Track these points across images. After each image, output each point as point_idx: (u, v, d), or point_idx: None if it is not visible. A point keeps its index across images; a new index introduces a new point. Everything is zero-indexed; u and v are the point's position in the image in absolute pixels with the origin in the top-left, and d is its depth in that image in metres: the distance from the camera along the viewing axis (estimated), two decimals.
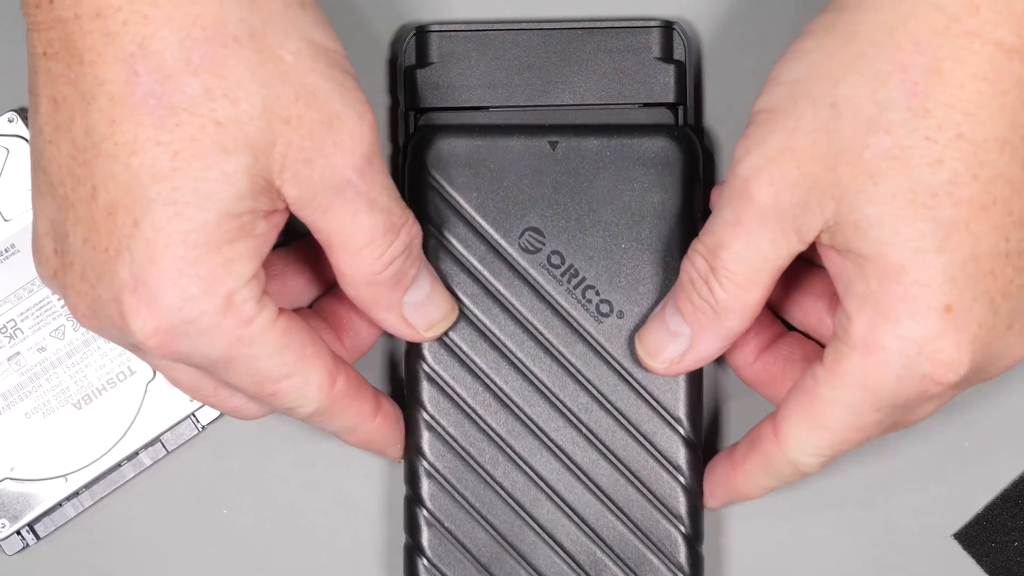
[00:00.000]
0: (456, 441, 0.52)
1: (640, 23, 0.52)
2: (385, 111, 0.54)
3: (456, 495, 0.52)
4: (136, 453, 0.53)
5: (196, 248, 0.44)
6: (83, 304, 0.46)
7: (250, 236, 0.45)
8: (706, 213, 0.51)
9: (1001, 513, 0.53)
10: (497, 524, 0.52)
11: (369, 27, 0.53)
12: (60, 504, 0.53)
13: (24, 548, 0.53)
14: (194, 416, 0.53)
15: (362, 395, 0.49)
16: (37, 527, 0.53)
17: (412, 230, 0.47)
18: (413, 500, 0.52)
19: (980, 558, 0.54)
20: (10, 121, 0.52)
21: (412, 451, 0.52)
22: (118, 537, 0.54)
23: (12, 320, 0.53)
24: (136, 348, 0.46)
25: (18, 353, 0.53)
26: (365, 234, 0.46)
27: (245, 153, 0.44)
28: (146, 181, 0.44)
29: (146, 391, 0.53)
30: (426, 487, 0.52)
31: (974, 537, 0.54)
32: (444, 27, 0.52)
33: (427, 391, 0.52)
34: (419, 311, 0.50)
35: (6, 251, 0.53)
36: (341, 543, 0.54)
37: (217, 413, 0.53)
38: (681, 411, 0.52)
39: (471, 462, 0.52)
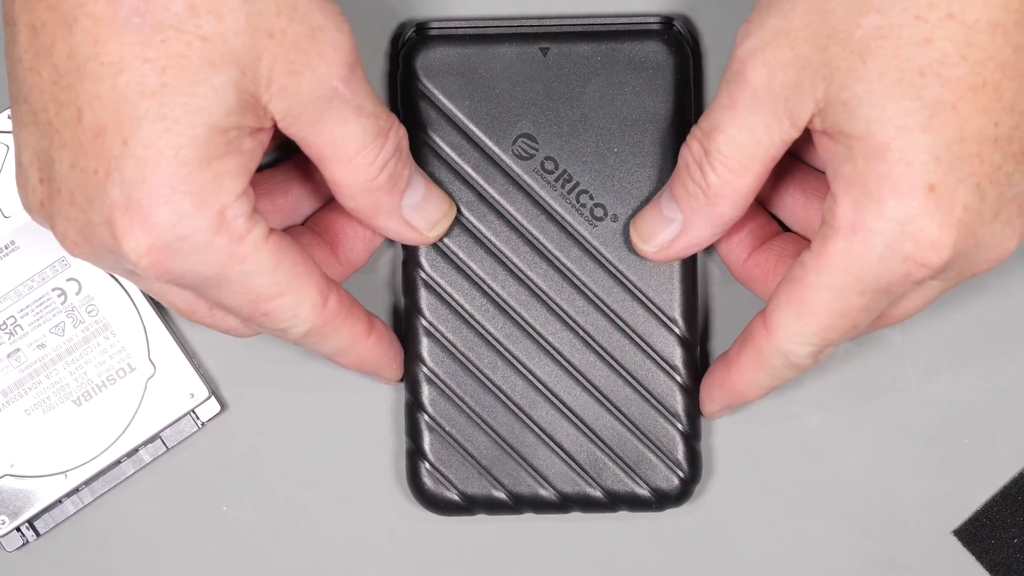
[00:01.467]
0: (455, 346, 0.54)
1: (640, 19, 0.52)
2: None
3: (456, 399, 0.54)
4: (136, 450, 0.54)
5: (187, 164, 0.46)
6: (73, 230, 0.48)
7: (238, 152, 0.47)
8: (698, 116, 0.54)
9: (1001, 510, 0.54)
10: (497, 427, 0.54)
11: (369, 23, 0.53)
12: (60, 501, 0.54)
13: (24, 544, 0.54)
14: (194, 413, 0.54)
15: (355, 315, 0.52)
16: (37, 523, 0.54)
17: (399, 132, 0.50)
18: (414, 405, 0.54)
19: (980, 555, 0.54)
20: (9, 118, 0.52)
21: (412, 358, 0.54)
22: (118, 534, 0.54)
23: (12, 316, 0.53)
24: (130, 273, 0.49)
25: (18, 350, 0.53)
26: (356, 141, 0.49)
27: (232, 68, 0.46)
28: (134, 99, 0.45)
29: (146, 388, 0.54)
30: (426, 392, 0.54)
31: (974, 534, 0.54)
32: (444, 24, 0.52)
33: (425, 298, 0.54)
34: (419, 212, 0.52)
35: (6, 247, 0.53)
36: (341, 540, 0.54)
37: (217, 410, 0.54)
38: (676, 311, 0.54)
39: (470, 367, 0.54)
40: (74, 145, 0.46)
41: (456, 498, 0.54)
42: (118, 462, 0.55)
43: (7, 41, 0.48)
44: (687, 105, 0.54)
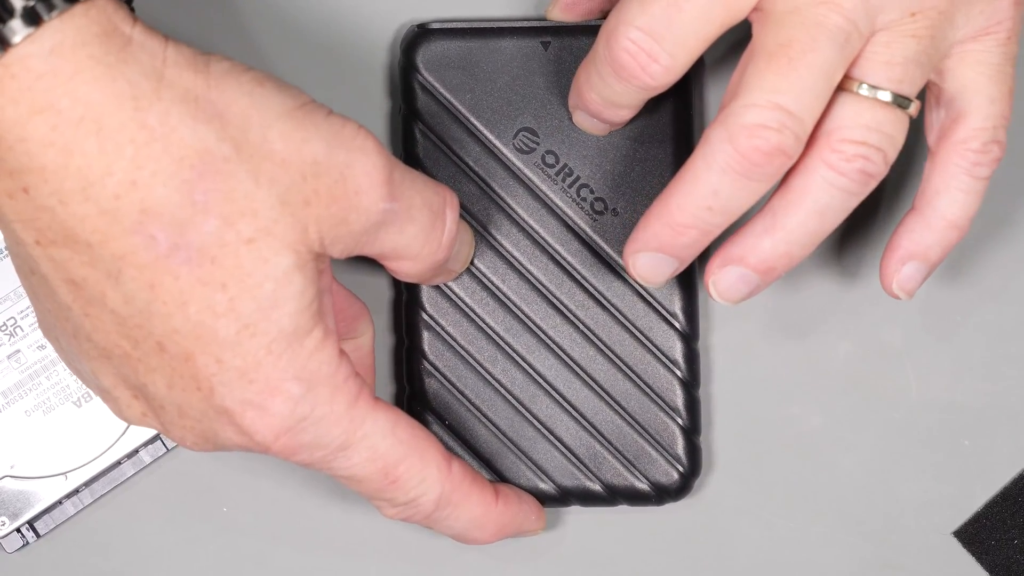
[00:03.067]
0: (455, 340, 0.55)
1: None
2: (387, 109, 0.56)
3: (456, 393, 0.55)
4: (136, 451, 0.54)
5: (283, 355, 0.46)
6: (192, 435, 0.48)
7: (320, 317, 0.47)
8: (698, 109, 0.55)
9: (1001, 511, 0.54)
10: (497, 420, 0.55)
11: (371, 24, 0.53)
12: (60, 502, 0.54)
13: (24, 546, 0.54)
14: None
15: (480, 480, 0.52)
16: (37, 525, 0.54)
17: (453, 204, 0.50)
18: (413, 397, 0.55)
19: (980, 556, 0.54)
20: None
21: (412, 351, 0.55)
22: (118, 535, 0.55)
23: (12, 318, 0.54)
24: (261, 451, 0.49)
25: (18, 351, 0.53)
26: (419, 240, 0.49)
27: (285, 254, 0.46)
28: (210, 322, 0.46)
29: None
30: (426, 384, 0.55)
31: (974, 535, 0.54)
32: (445, 25, 0.54)
33: (425, 291, 0.55)
34: (456, 258, 0.54)
35: (5, 249, 0.53)
36: (341, 540, 0.54)
37: None
38: (677, 306, 0.55)
39: (470, 360, 0.55)
40: (164, 370, 0.46)
41: None
42: (118, 463, 0.55)
43: (35, 288, 0.47)
44: (688, 99, 0.54)
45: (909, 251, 0.51)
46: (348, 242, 0.47)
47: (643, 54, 0.48)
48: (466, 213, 0.54)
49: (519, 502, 0.53)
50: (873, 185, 0.49)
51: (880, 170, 0.48)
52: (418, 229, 0.49)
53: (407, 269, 0.50)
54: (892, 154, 0.49)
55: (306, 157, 0.46)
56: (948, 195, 0.50)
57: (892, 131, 0.48)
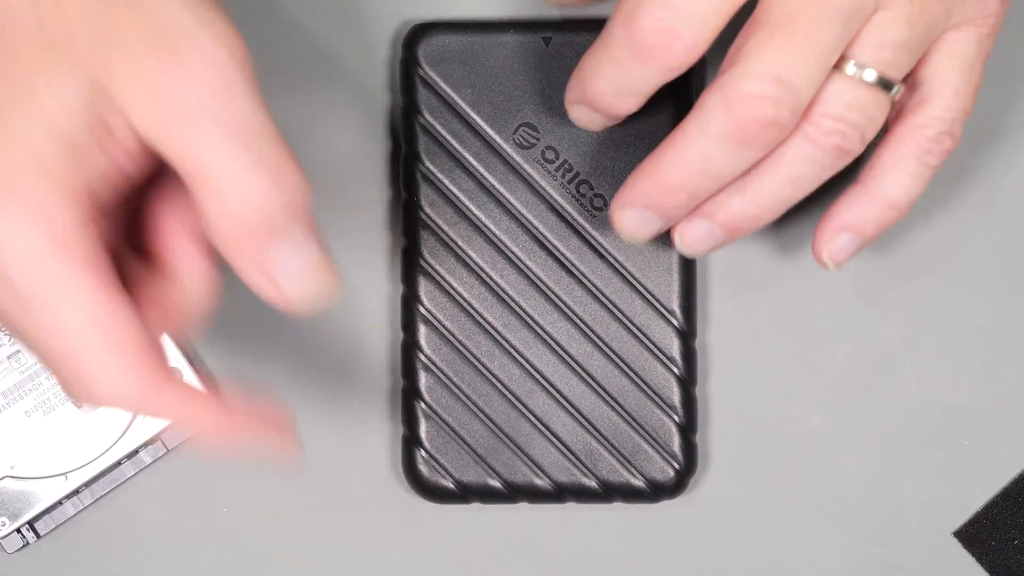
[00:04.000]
0: (452, 334, 0.55)
1: None
2: (386, 104, 0.56)
3: (453, 387, 0.55)
4: (136, 451, 0.54)
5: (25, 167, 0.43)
6: None
7: (85, 166, 0.43)
8: None
9: (1001, 511, 0.54)
10: (493, 416, 0.55)
11: (371, 18, 0.54)
12: (60, 502, 0.54)
13: (24, 546, 0.54)
14: None
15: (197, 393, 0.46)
16: (37, 525, 0.54)
17: (295, 182, 0.44)
18: (410, 392, 0.55)
19: (980, 556, 0.54)
20: None
21: (410, 345, 0.55)
22: (118, 535, 0.55)
23: None
24: None
25: (18, 351, 0.54)
26: (227, 171, 0.43)
27: (76, 70, 0.43)
28: None
29: None
30: (423, 379, 0.55)
31: (974, 535, 0.54)
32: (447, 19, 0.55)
33: (423, 285, 0.55)
34: (290, 273, 0.45)
35: None
36: (341, 543, 0.54)
37: None
38: (675, 303, 0.55)
39: (467, 355, 0.55)
40: None
41: (451, 486, 0.54)
42: (118, 464, 0.55)
43: None
44: (688, 96, 0.54)
45: (845, 222, 0.51)
46: (152, 115, 0.42)
47: (668, 32, 0.47)
48: (465, 208, 0.54)
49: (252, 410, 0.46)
50: (848, 160, 0.49)
51: (856, 148, 0.49)
52: (231, 159, 0.43)
53: (206, 206, 0.43)
54: (870, 134, 0.49)
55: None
56: (894, 175, 0.51)
57: (873, 112, 0.48)
